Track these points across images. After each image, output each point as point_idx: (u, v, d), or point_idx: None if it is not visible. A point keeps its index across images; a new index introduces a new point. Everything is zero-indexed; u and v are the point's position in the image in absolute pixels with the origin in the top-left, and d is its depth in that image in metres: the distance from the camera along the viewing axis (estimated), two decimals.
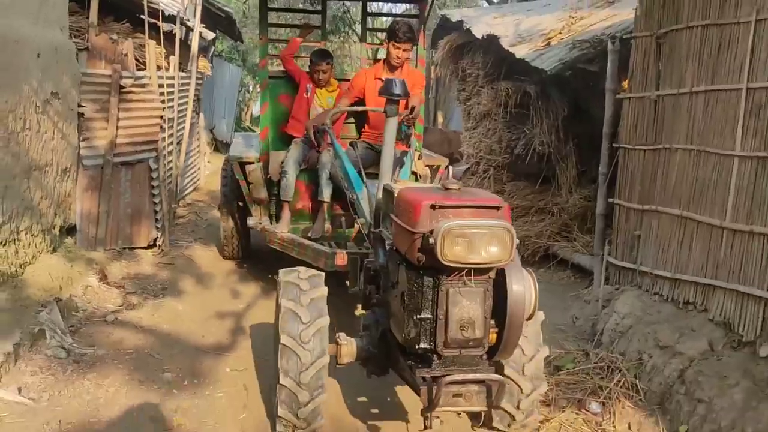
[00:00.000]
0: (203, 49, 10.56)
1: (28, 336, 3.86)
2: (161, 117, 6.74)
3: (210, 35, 10.68)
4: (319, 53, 5.31)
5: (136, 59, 6.61)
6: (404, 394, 3.62)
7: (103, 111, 5.99)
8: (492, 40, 7.70)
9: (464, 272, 2.45)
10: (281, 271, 3.25)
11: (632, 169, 4.98)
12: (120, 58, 6.29)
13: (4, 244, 4.45)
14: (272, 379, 3.29)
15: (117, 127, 6.05)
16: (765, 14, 3.77)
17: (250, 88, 23.59)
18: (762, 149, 3.70)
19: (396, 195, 2.81)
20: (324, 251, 4.44)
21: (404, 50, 4.71)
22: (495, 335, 2.61)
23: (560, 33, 7.14)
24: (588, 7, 7.63)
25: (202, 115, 10.87)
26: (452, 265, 2.42)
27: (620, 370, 3.98)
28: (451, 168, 2.72)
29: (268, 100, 5.38)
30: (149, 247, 6.38)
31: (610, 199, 5.26)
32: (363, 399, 3.67)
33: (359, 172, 4.10)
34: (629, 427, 3.58)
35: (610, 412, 3.68)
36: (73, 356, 3.93)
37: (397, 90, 3.26)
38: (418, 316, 2.53)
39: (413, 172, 4.88)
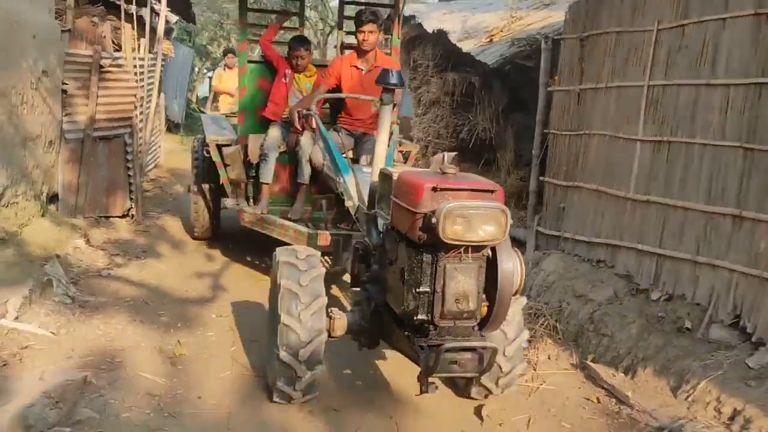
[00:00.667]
0: (167, 32, 10.94)
1: (38, 285, 4.39)
2: (135, 96, 7.22)
3: (173, 18, 11.07)
4: (297, 39, 5.41)
5: (111, 41, 7.07)
6: (386, 366, 3.93)
7: (84, 88, 6.43)
8: (441, 35, 8.48)
9: (462, 249, 2.63)
10: (278, 250, 3.38)
11: (559, 151, 5.85)
12: (99, 40, 6.74)
13: (7, 206, 4.94)
14: (266, 351, 3.55)
15: (96, 104, 6.52)
16: (664, 25, 4.65)
17: (196, 70, 23.67)
18: (658, 135, 4.59)
19: (396, 178, 2.97)
20: (306, 232, 4.57)
21: (369, 32, 4.77)
22: (485, 308, 2.81)
23: (501, 31, 7.98)
24: (527, 8, 8.50)
25: (162, 95, 11.27)
26: (452, 242, 2.59)
27: (544, 316, 4.84)
28: (446, 154, 2.91)
29: (246, 84, 5.43)
30: (123, 216, 6.87)
31: (541, 178, 6.12)
32: (348, 371, 3.88)
33: (344, 157, 4.25)
34: (549, 358, 4.43)
35: (535, 348, 4.51)
36: (78, 302, 4.49)
37: (394, 80, 3.40)
38: (417, 290, 2.70)
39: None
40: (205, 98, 20.78)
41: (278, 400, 3.27)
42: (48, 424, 2.73)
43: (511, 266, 2.76)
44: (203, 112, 15.23)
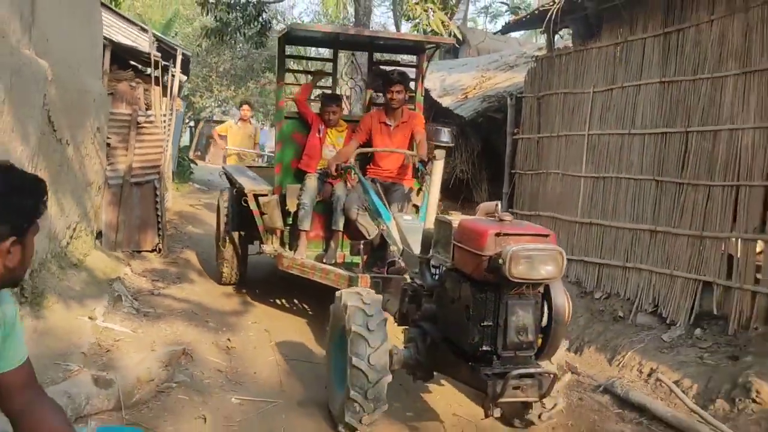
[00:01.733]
0: (178, 90, 12.26)
1: (111, 299, 5.51)
2: (162, 147, 8.45)
3: (183, 78, 12.39)
4: (330, 97, 5.69)
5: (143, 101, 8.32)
6: (432, 400, 4.23)
7: (124, 142, 7.63)
8: (425, 92, 9.88)
9: (523, 287, 2.91)
10: (344, 294, 3.63)
11: (523, 188, 7.18)
12: (135, 100, 7.99)
13: (77, 239, 6.08)
14: (328, 388, 3.89)
15: (134, 155, 7.73)
16: (598, 88, 6.05)
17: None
18: (595, 172, 5.94)
19: (458, 225, 3.25)
20: (348, 275, 4.73)
21: (396, 92, 5.04)
22: (540, 339, 3.09)
23: (474, 89, 9.41)
24: (494, 69, 9.98)
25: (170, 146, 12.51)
26: (517, 281, 2.84)
27: None
28: (497, 203, 3.24)
29: (282, 140, 5.66)
30: (152, 251, 7.98)
31: (510, 210, 7.43)
32: (398, 404, 4.03)
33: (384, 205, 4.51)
34: None
35: None
36: (142, 312, 5.60)
37: (445, 138, 3.70)
38: (482, 324, 2.97)
39: (414, 204, 5.26)
40: (186, 147, 21.73)
41: (343, 431, 3.54)
42: (161, 380, 3.85)
43: (564, 301, 3.07)
44: (194, 163, 16.36)
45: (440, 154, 3.72)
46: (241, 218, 5.83)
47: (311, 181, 5.29)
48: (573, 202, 6.18)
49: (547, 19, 6.15)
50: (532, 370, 2.97)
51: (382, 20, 41.12)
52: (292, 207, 5.31)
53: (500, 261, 2.82)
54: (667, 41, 5.36)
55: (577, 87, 6.35)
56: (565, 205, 6.31)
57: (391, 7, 21.10)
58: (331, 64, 6.44)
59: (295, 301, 6.48)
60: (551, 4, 6.13)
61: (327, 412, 3.85)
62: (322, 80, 6.11)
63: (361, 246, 4.99)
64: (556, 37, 7.28)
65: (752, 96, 4.54)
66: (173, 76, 10.61)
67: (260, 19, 16.20)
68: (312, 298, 6.23)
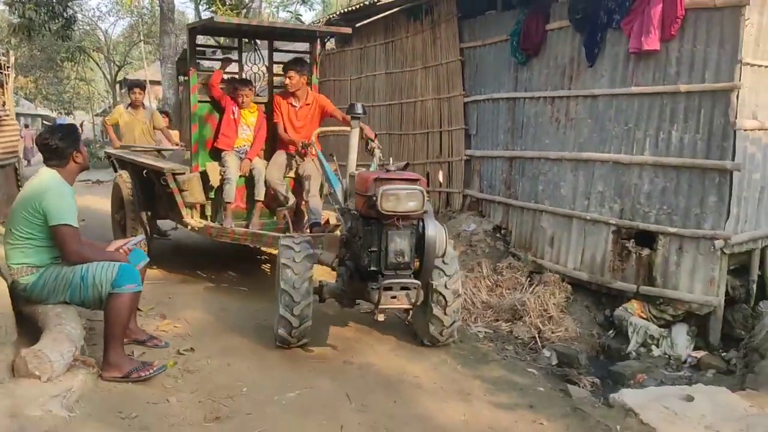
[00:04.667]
0: None
1: None
2: (18, 136, 10.23)
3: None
4: (241, 81, 5.90)
5: None
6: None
7: None
8: None
9: (395, 219, 3.55)
10: (282, 238, 4.24)
11: None
12: None
13: None
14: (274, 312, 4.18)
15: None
16: (353, 77, 9.24)
17: None
18: None
19: (356, 176, 3.92)
20: (279, 236, 4.74)
21: (289, 77, 5.42)
22: (418, 263, 3.73)
23: None
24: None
25: None
26: (387, 213, 3.51)
27: None
28: (408, 162, 4.41)
29: (197, 122, 5.78)
30: None
31: None
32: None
33: (335, 172, 4.93)
34: None
35: None
36: None
37: (359, 110, 4.28)
38: (369, 250, 3.66)
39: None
40: None
41: (279, 344, 4.11)
42: None
43: (434, 233, 3.66)
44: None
45: (355, 123, 4.35)
46: (148, 198, 6.02)
47: (231, 158, 5.57)
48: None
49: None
50: (397, 281, 3.63)
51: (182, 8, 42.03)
52: (215, 182, 5.54)
53: (374, 198, 3.51)
54: (387, 48, 8.77)
55: (340, 76, 9.52)
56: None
57: None
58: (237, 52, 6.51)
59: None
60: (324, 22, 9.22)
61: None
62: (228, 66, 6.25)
63: (285, 212, 5.48)
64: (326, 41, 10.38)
65: (430, 81, 8.04)
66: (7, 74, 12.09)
67: (65, 14, 17.42)
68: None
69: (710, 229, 5.06)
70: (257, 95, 6.07)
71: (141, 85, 7.69)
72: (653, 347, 5.22)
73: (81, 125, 26.78)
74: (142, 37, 27.03)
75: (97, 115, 31.25)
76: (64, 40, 19.11)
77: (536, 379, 4.30)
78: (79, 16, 22.19)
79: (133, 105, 7.51)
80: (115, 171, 6.76)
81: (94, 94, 34.06)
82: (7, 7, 15.93)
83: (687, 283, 5.19)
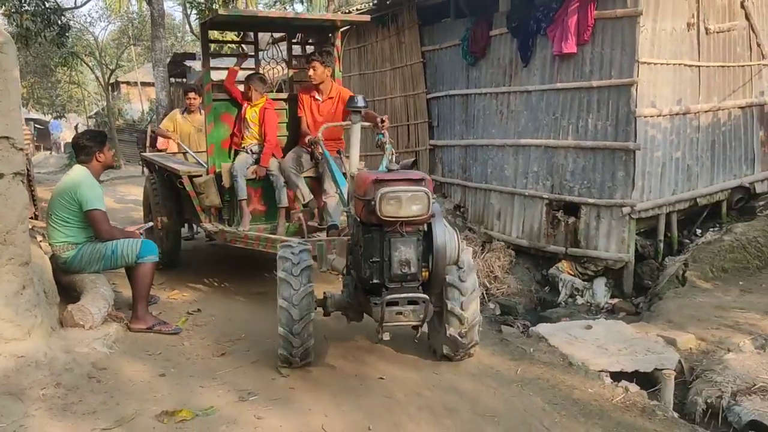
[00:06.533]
0: None
1: None
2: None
3: None
4: (250, 76, 5.72)
5: None
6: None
7: None
8: None
9: (398, 225, 3.17)
10: (280, 246, 3.83)
11: None
12: None
13: None
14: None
15: None
16: None
17: None
18: None
19: (355, 177, 3.56)
20: (294, 242, 4.56)
21: (313, 68, 5.18)
22: (428, 273, 3.30)
23: None
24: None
25: None
26: (388, 219, 3.13)
27: None
28: (415, 160, 3.77)
29: (213, 121, 5.63)
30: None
31: None
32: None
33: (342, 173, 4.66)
34: None
35: None
36: None
37: (360, 103, 4.00)
38: (371, 260, 3.26)
39: (344, 174, 4.92)
40: None
41: (280, 364, 3.77)
42: None
43: (444, 239, 3.27)
44: None
45: (355, 117, 4.07)
46: (172, 202, 5.95)
47: (240, 156, 5.47)
48: None
49: None
50: (403, 296, 3.20)
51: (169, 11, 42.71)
52: (227, 182, 5.33)
53: (372, 203, 3.13)
54: (360, 51, 9.78)
55: None
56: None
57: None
58: (253, 46, 6.44)
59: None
60: None
61: None
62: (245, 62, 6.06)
63: (300, 214, 5.25)
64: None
65: (397, 80, 9.10)
66: None
67: (59, 23, 18.29)
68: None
69: (620, 199, 6.19)
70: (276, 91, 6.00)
71: (196, 89, 7.37)
72: (578, 297, 6.34)
73: (75, 127, 27.62)
74: (132, 41, 27.82)
75: (90, 117, 32.02)
76: (59, 47, 19.84)
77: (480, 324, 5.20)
78: (72, 23, 22.94)
79: (189, 110, 7.32)
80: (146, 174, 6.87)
81: (86, 97, 34.80)
82: (6, 18, 16.70)
83: (604, 244, 6.32)
